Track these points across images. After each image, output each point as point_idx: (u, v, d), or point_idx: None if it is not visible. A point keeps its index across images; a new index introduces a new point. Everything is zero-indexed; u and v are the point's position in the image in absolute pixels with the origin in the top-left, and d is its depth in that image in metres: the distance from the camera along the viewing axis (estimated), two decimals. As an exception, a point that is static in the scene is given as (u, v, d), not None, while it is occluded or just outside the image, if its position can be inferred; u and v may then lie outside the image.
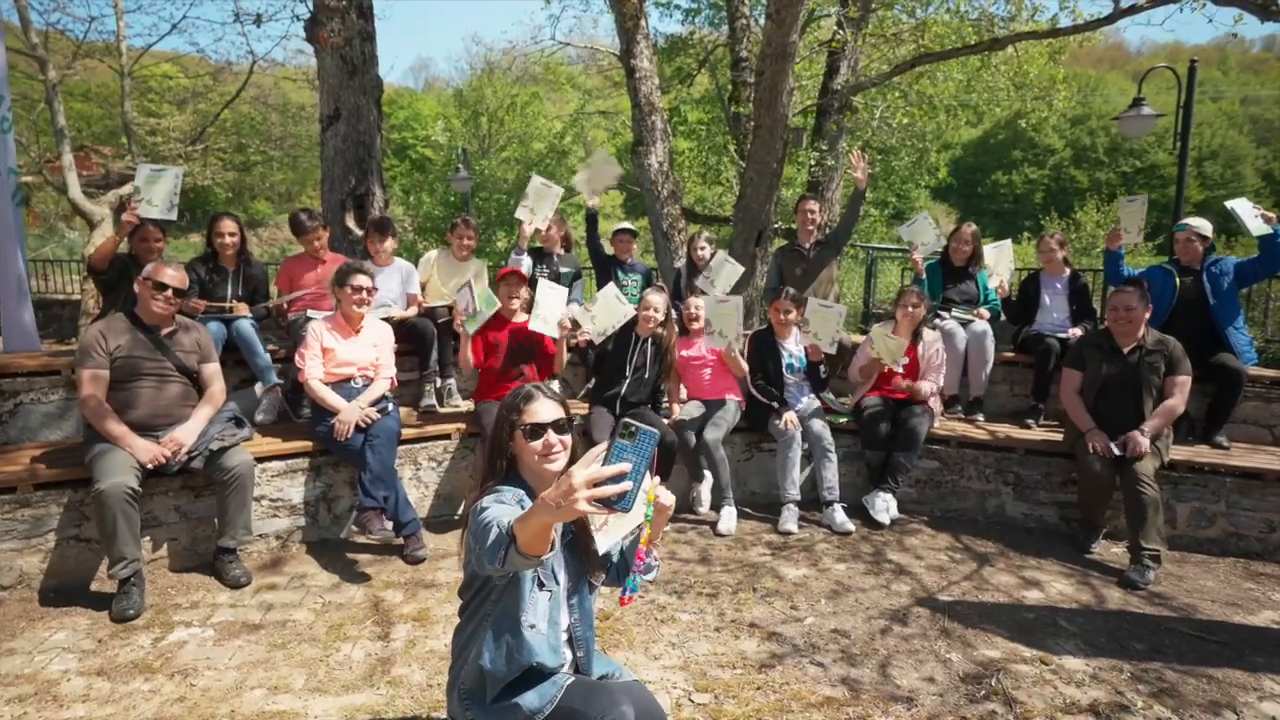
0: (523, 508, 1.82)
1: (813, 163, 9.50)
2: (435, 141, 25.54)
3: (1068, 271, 5.10)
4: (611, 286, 4.38)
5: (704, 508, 4.55)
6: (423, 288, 5.16)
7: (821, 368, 4.75)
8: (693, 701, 2.62)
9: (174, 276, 3.41)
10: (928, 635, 3.13)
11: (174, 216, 4.09)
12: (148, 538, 3.51)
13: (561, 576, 1.93)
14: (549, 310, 4.23)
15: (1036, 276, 5.17)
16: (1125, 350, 3.91)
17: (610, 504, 1.32)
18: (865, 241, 12.41)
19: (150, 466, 3.24)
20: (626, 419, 1.40)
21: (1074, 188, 42.26)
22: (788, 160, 8.78)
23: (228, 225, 4.44)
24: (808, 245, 5.48)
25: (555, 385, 5.34)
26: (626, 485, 1.32)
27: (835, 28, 8.94)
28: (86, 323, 9.58)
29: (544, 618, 1.86)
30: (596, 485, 1.31)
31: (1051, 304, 5.05)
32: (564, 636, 1.93)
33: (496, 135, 23.27)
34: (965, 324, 4.99)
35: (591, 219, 5.53)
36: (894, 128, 10.23)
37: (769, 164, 7.45)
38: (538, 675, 1.84)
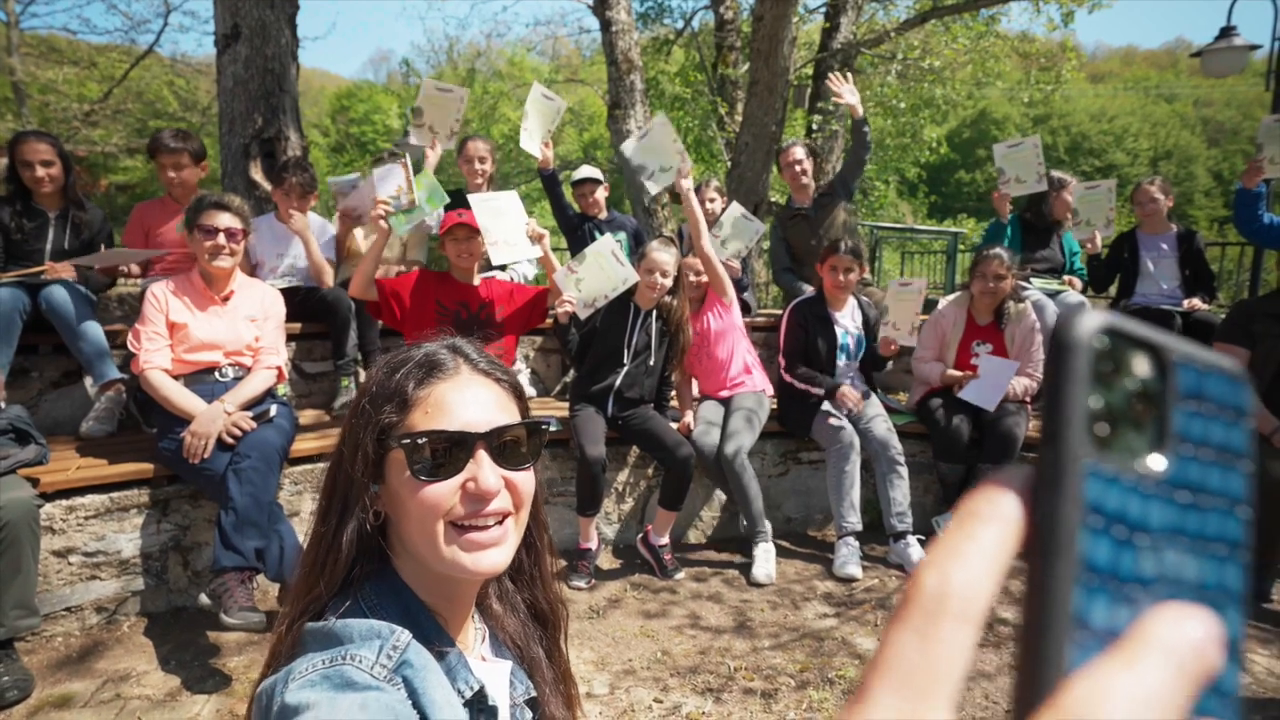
0: (412, 686, 0.64)
1: (814, 127, 8.42)
2: (390, 128, 23.86)
3: (1175, 229, 4.02)
4: (608, 239, 3.13)
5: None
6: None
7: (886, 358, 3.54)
8: None
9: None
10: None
11: None
12: None
13: None
14: (505, 229, 2.98)
15: (1133, 236, 4.08)
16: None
17: None
18: (870, 220, 11.36)
19: None
20: None
21: (1037, 186, 42.47)
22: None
23: (39, 149, 3.02)
24: (808, 204, 4.27)
25: (524, 375, 4.07)
26: None
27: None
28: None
29: None
30: None
31: (1156, 270, 3.96)
32: None
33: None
34: (1053, 295, 3.88)
35: (550, 180, 3.97)
36: (925, 69, 9.30)
37: (766, 126, 6.38)
38: None
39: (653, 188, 3.42)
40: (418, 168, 3.12)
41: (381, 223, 2.92)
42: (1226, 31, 5.31)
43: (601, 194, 4.21)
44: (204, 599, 2.28)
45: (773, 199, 9.35)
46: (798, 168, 4.19)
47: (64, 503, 2.46)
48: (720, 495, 3.48)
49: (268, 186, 4.76)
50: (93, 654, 2.39)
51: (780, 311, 3.94)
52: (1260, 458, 2.84)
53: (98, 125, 11.33)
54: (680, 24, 12.06)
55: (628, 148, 3.40)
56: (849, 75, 3.91)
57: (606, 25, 7.90)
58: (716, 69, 10.38)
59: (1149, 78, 47.85)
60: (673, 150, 3.30)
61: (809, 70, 9.15)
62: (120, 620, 2.57)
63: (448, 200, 2.98)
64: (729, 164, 7.99)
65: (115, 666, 2.32)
